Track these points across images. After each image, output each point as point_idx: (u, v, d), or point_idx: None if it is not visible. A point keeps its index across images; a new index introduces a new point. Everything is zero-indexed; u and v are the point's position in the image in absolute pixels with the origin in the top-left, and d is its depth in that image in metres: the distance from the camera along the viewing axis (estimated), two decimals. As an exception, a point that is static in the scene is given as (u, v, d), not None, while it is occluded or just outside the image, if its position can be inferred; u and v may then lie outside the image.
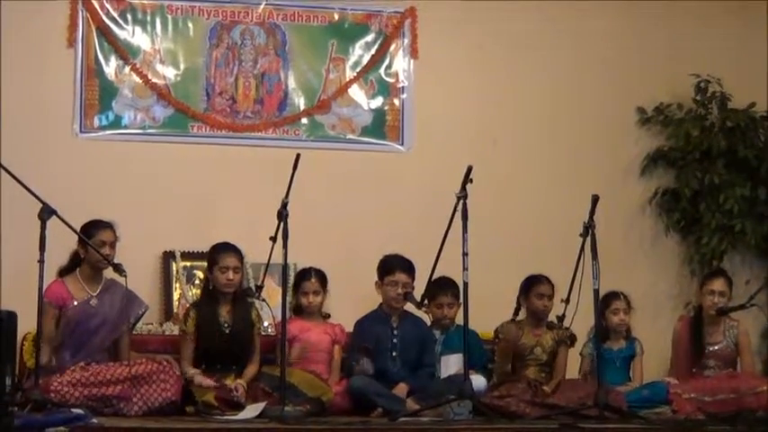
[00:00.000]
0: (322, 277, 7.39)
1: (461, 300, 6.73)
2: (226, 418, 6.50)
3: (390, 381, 7.16)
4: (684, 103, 8.86)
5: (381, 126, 8.50)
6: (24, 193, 6.25)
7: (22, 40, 7.92)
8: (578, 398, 6.94)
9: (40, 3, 7.97)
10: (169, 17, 8.24)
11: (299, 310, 7.42)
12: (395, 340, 7.36)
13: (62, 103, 8.02)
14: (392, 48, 8.56)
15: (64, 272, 6.97)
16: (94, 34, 8.10)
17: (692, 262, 8.75)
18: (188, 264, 7.96)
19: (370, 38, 8.53)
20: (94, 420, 5.92)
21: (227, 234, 7.40)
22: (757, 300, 7.54)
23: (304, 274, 7.41)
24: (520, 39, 8.68)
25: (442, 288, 7.44)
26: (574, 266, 6.83)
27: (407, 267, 7.38)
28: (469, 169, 6.66)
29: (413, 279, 7.36)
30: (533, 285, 7.51)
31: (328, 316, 7.49)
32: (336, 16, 8.49)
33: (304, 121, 8.40)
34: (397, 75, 8.55)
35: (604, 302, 7.45)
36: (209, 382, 6.89)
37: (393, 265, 7.39)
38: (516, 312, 7.58)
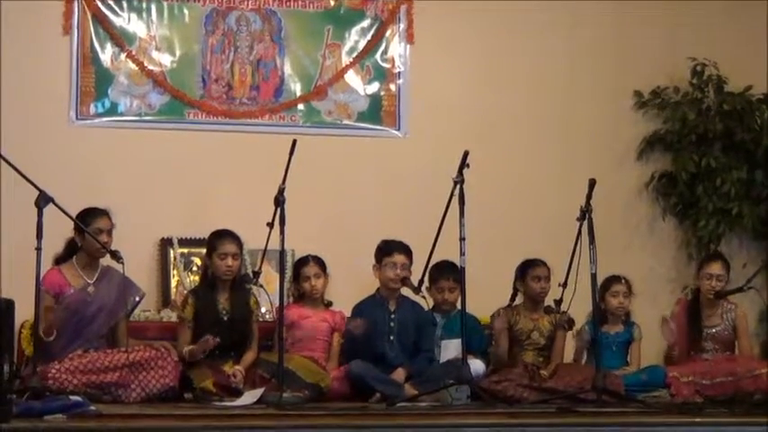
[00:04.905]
0: (320, 262, 7.38)
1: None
2: (224, 404, 6.49)
3: (388, 365, 7.17)
4: (681, 86, 8.85)
5: (378, 112, 8.49)
6: (21, 180, 6.23)
7: (17, 28, 7.90)
8: (576, 382, 6.94)
9: (36, -10, 7.98)
10: (164, 4, 8.22)
11: (301, 299, 7.40)
12: (392, 324, 7.35)
13: (58, 90, 8.01)
14: (388, 33, 8.54)
15: (60, 260, 6.96)
16: (90, 21, 8.08)
17: (689, 245, 8.75)
18: (185, 250, 7.96)
19: (365, 23, 8.51)
20: (93, 407, 5.88)
21: (225, 220, 7.40)
22: (755, 283, 7.53)
23: (302, 261, 7.41)
24: (516, 23, 8.67)
25: (442, 272, 7.44)
26: (571, 251, 6.84)
27: (405, 249, 7.38)
28: (466, 154, 6.65)
29: (411, 262, 7.36)
30: (529, 268, 7.50)
31: (330, 304, 7.48)
32: (332, 2, 8.47)
33: (300, 107, 8.39)
34: (393, 60, 8.54)
35: (604, 285, 7.47)
36: (196, 349, 6.86)
37: (391, 247, 7.39)
38: (513, 298, 7.57)
